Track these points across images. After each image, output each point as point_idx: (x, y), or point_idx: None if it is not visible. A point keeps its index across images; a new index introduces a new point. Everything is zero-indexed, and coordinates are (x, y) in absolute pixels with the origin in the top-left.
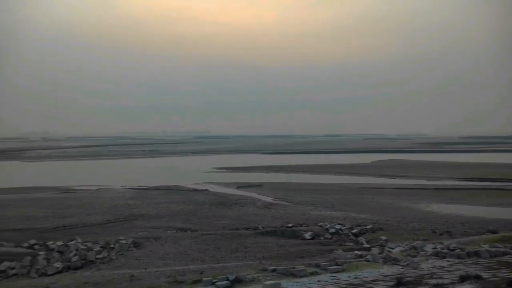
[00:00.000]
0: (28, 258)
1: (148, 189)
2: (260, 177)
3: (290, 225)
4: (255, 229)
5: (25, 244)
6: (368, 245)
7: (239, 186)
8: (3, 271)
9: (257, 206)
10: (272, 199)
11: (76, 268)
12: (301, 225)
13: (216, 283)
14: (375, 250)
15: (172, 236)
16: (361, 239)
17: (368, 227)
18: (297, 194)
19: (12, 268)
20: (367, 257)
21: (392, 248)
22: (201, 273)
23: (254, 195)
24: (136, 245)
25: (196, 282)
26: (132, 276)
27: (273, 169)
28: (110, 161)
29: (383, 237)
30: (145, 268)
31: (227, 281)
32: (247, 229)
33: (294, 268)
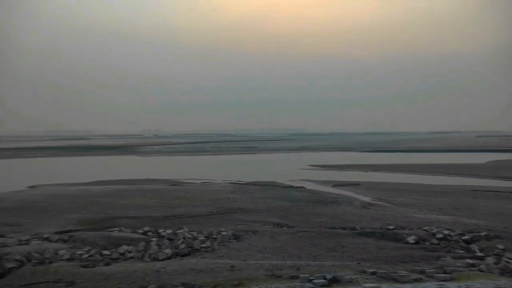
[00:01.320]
0: (143, 243)
1: (247, 184)
2: (358, 176)
3: (391, 227)
4: (352, 229)
5: (140, 231)
6: (481, 254)
7: (336, 184)
8: (122, 254)
9: (355, 205)
10: (371, 199)
11: (184, 255)
12: (403, 228)
13: (313, 280)
14: (490, 260)
15: (269, 231)
16: (474, 246)
17: (482, 234)
18: (399, 195)
19: (130, 252)
20: (481, 266)
21: (511, 259)
22: (298, 269)
23: (351, 194)
24: (236, 237)
25: (293, 277)
26: (233, 266)
27: (372, 167)
28: (212, 156)
29: (500, 246)
30: (245, 260)
31: (324, 280)
32: (344, 228)
33: (395, 272)
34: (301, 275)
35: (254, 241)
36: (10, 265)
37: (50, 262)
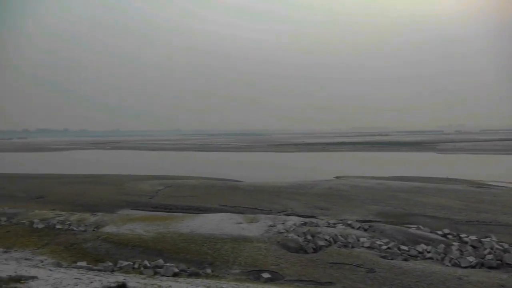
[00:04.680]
0: (442, 245)
1: None
2: None
3: None
4: None
5: (439, 232)
6: None
7: None
8: (420, 252)
9: None
10: None
11: (490, 267)
12: None
13: None
14: None
15: None
16: None
17: None
18: None
19: (428, 252)
20: None
21: None
22: None
23: None
24: None
25: None
26: None
27: None
28: None
29: None
30: None
31: None
32: None
33: None
34: None
35: None
36: (321, 243)
37: (352, 247)
